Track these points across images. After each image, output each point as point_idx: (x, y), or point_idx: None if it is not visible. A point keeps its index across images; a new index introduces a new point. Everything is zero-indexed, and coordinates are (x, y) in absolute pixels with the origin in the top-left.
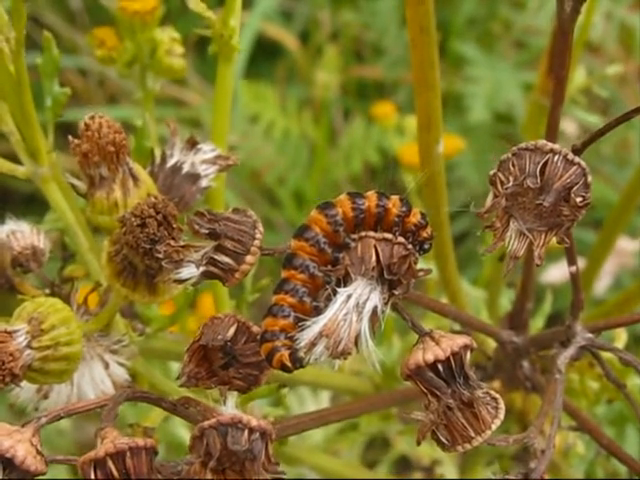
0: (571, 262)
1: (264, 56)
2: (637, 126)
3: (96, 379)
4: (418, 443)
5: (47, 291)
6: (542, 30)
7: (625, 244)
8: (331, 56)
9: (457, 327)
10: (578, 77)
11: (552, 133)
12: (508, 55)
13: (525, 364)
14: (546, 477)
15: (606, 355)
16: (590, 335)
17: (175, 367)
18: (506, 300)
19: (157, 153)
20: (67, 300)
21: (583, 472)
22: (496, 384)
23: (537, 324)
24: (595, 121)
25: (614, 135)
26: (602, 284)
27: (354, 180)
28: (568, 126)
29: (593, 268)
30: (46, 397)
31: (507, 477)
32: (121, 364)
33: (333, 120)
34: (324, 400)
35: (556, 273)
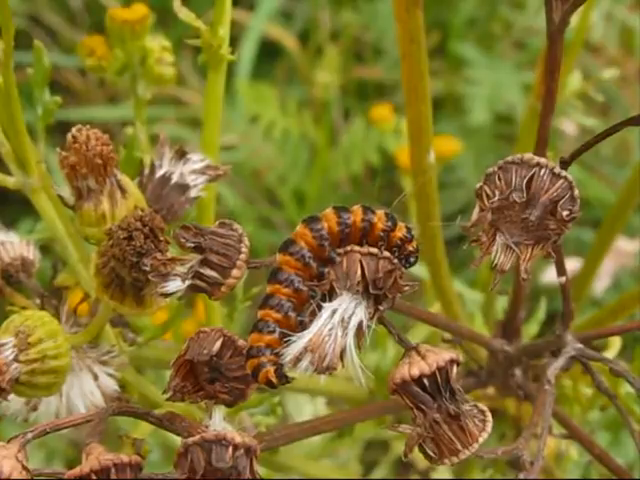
0: (560, 273)
1: (264, 56)
2: (636, 127)
3: (85, 391)
4: (405, 456)
5: (37, 301)
6: (542, 31)
7: (624, 244)
8: (331, 56)
9: (448, 336)
10: (574, 81)
11: (542, 145)
12: (508, 56)
13: (517, 372)
14: None
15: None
16: (580, 345)
17: (168, 375)
18: (503, 303)
19: (147, 161)
20: (56, 310)
21: (578, 476)
22: (490, 390)
23: (531, 330)
24: (593, 123)
25: (614, 136)
26: (601, 284)
27: (354, 180)
28: (568, 127)
29: (591, 268)
30: (35, 409)
31: None
32: (111, 375)
33: (333, 120)
34: (321, 405)
35: (554, 274)
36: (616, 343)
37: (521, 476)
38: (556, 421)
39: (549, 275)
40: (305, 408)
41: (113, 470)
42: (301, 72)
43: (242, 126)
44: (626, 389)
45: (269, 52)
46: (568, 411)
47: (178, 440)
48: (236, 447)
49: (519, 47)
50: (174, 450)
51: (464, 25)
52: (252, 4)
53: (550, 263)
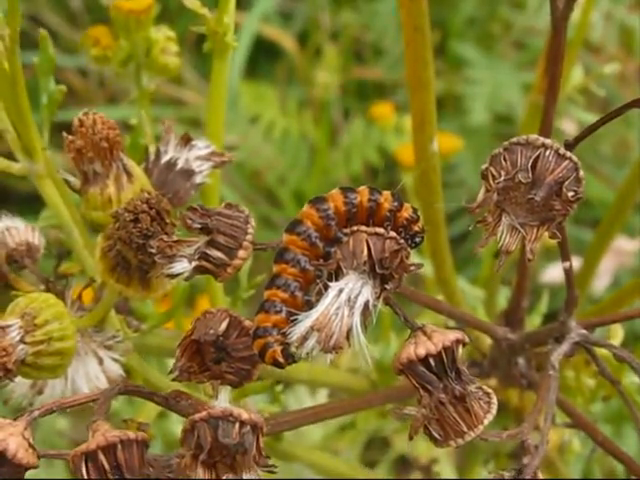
0: (565, 258)
1: (264, 57)
2: (636, 125)
3: (90, 375)
4: (410, 438)
5: (42, 287)
6: (542, 30)
7: (624, 243)
8: (331, 57)
9: (452, 324)
10: (575, 76)
11: (546, 130)
12: (508, 55)
13: (520, 361)
14: (540, 473)
15: (602, 352)
16: (584, 331)
17: (171, 364)
18: (503, 298)
19: (152, 150)
20: (62, 296)
21: (580, 470)
22: (492, 381)
23: (534, 322)
24: (593, 120)
25: (613, 134)
26: (601, 283)
27: (354, 180)
28: (567, 125)
29: (590, 267)
30: (40, 393)
31: (502, 475)
32: (115, 360)
33: (333, 120)
34: (321, 399)
35: (554, 273)
36: (618, 334)
37: (525, 460)
38: (559, 409)
39: (549, 275)
40: (306, 402)
41: (119, 446)
42: (301, 72)
43: (242, 126)
44: (629, 379)
45: (269, 52)
46: (571, 402)
47: (179, 430)
48: (243, 423)
49: (519, 47)
50: (175, 441)
51: (464, 25)
52: (249, 6)
53: (550, 262)
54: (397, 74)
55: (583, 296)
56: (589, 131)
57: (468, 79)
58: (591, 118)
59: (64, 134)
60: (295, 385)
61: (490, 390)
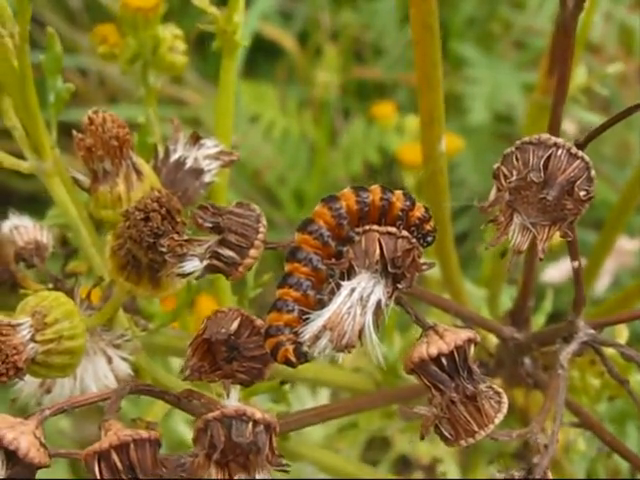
0: (574, 257)
1: (264, 56)
2: (637, 128)
3: (99, 374)
4: (422, 438)
5: (50, 286)
6: (542, 30)
7: (625, 243)
8: (331, 57)
9: (459, 324)
10: (579, 76)
11: (554, 130)
12: (508, 55)
13: (527, 361)
14: (549, 473)
15: (608, 352)
16: (592, 331)
17: (176, 363)
18: (507, 298)
19: (160, 148)
20: (70, 295)
21: (584, 470)
22: (498, 381)
23: (538, 321)
24: (595, 120)
25: (615, 136)
26: (602, 283)
27: (354, 180)
28: (568, 126)
29: (593, 268)
30: (49, 391)
31: (512, 475)
32: (124, 359)
33: (333, 120)
34: (323, 400)
35: (555, 273)
36: (623, 334)
37: (535, 460)
38: (566, 409)
39: (548, 275)
40: (307, 402)
41: (132, 446)
42: (301, 72)
43: (242, 126)
44: (635, 378)
45: (269, 52)
46: (577, 402)
47: (183, 432)
48: (256, 423)
49: (519, 47)
50: (179, 444)
51: (464, 25)
52: (249, 5)
53: (549, 262)
54: (397, 74)
55: (586, 297)
56: (599, 131)
57: (468, 79)
58: (593, 118)
59: (74, 132)
60: (297, 385)
61: (500, 390)
